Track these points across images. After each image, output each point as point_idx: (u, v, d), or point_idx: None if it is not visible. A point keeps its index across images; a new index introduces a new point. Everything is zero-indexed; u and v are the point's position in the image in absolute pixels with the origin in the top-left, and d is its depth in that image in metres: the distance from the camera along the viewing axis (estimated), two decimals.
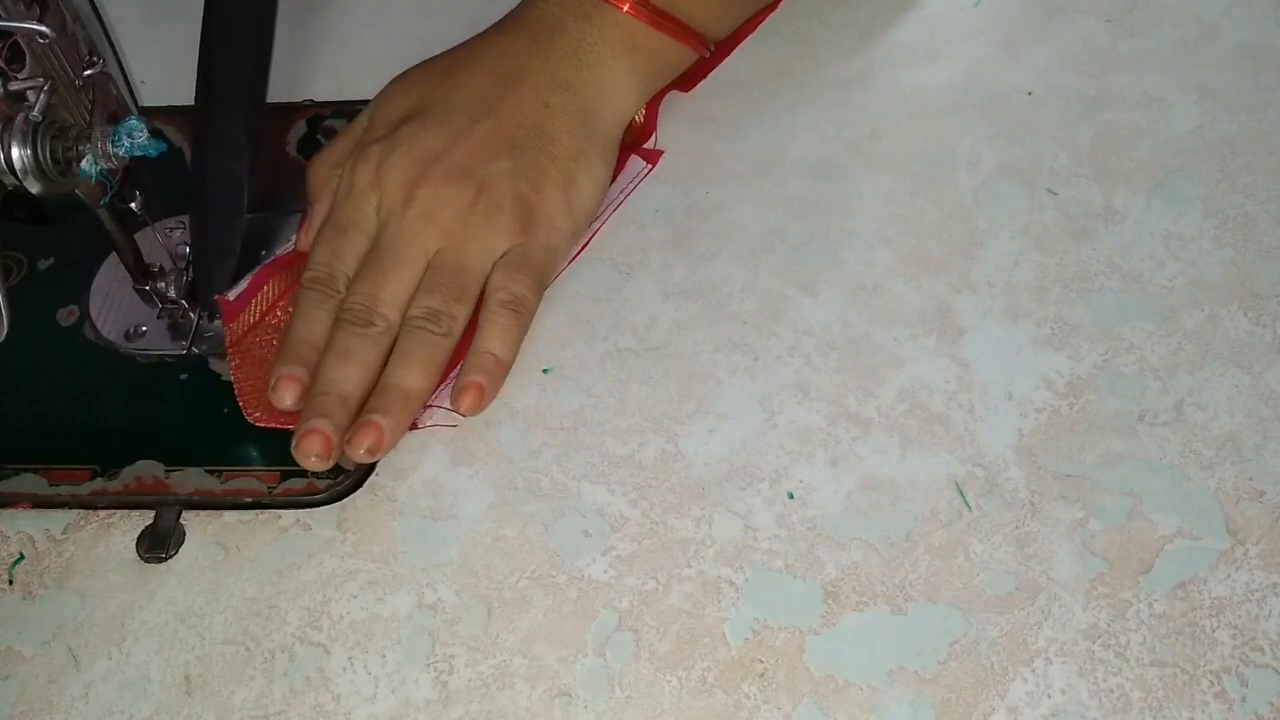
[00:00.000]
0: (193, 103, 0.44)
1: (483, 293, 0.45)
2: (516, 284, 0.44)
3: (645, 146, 0.51)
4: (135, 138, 0.38)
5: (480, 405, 0.43)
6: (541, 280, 0.46)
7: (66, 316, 0.47)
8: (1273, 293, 0.44)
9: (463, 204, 0.45)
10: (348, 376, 0.42)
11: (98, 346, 0.46)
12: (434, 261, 0.44)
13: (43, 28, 0.36)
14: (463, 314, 0.44)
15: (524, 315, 0.44)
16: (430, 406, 0.43)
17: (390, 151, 0.45)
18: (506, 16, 0.49)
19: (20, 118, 0.35)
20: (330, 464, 0.41)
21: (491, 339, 0.44)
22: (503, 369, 0.44)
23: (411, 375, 0.42)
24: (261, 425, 0.43)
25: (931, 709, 0.36)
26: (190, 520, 0.41)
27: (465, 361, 0.44)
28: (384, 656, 0.38)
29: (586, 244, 0.48)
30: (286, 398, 0.42)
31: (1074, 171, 0.49)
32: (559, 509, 0.41)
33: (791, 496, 0.40)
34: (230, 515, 0.41)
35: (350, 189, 0.46)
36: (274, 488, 0.41)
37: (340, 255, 0.45)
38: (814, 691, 0.36)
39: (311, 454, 0.41)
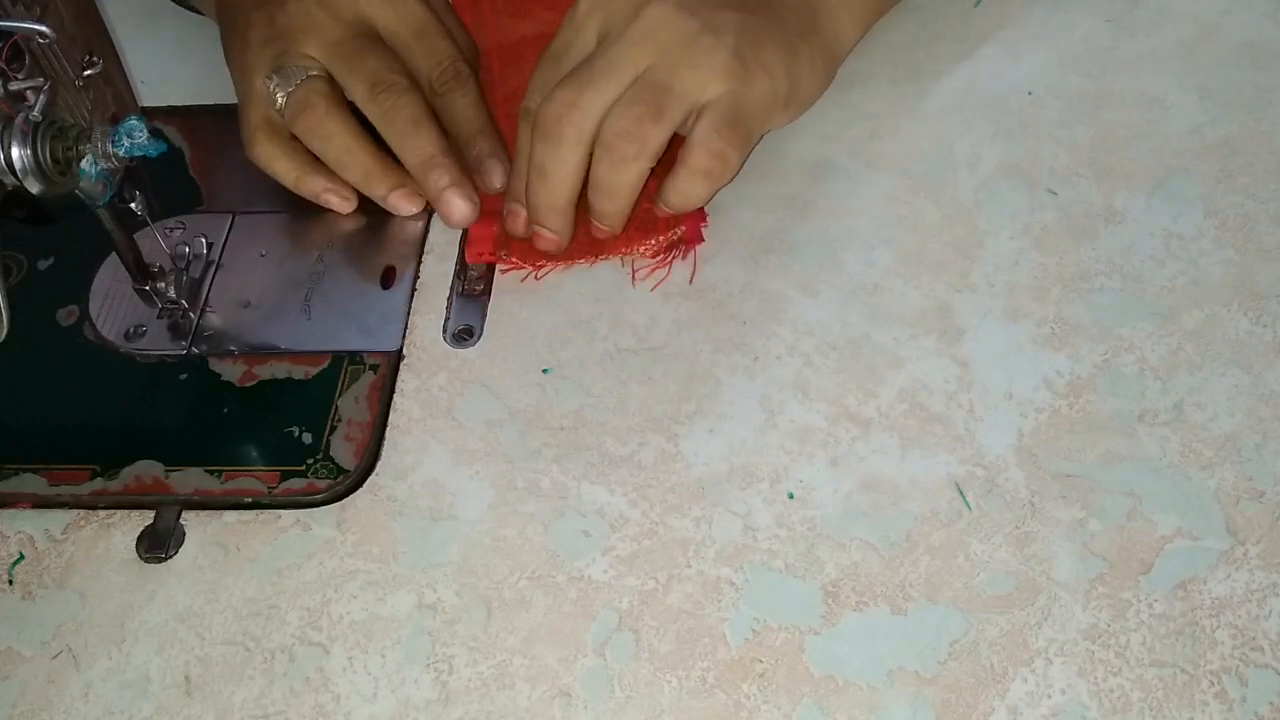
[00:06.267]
0: (192, 103, 0.44)
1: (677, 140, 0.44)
2: (722, 140, 0.43)
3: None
4: (135, 138, 0.38)
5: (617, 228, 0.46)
6: (749, 138, 0.44)
7: (66, 316, 0.47)
8: (1273, 293, 0.44)
9: (688, 31, 0.43)
10: (551, 192, 0.44)
11: (98, 346, 0.46)
12: (642, 77, 0.43)
13: (43, 28, 0.36)
14: (658, 136, 0.42)
15: (722, 176, 0.44)
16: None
17: None
18: None
19: (20, 118, 0.35)
20: (564, 248, 0.46)
21: (676, 195, 0.44)
22: (678, 218, 0.46)
23: (602, 201, 0.44)
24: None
25: (931, 709, 0.36)
26: (190, 520, 0.41)
27: (657, 198, 0.45)
28: (384, 656, 0.38)
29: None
30: (518, 230, 0.46)
31: (1074, 171, 0.49)
32: (559, 509, 0.41)
33: (791, 496, 0.40)
34: (230, 515, 0.41)
35: (574, 13, 0.45)
36: (274, 488, 0.41)
37: (553, 83, 0.44)
38: (814, 692, 0.36)
39: (550, 249, 0.46)
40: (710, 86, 0.43)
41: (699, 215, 0.47)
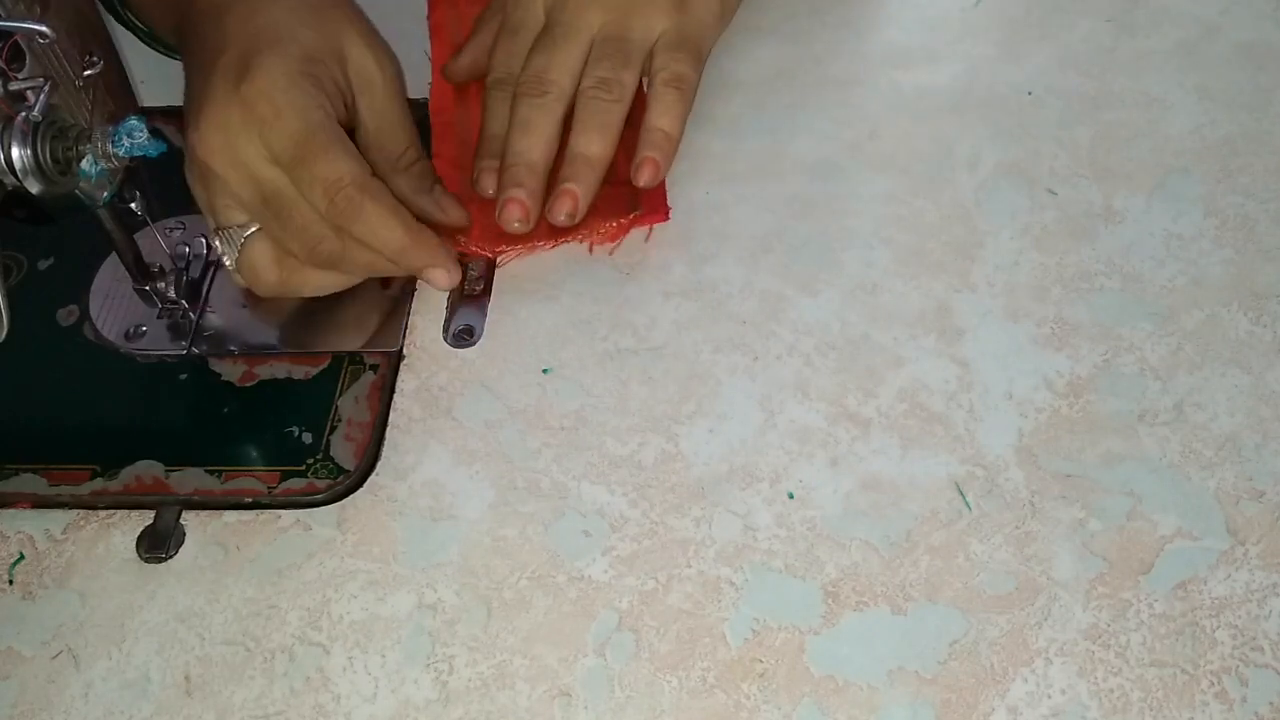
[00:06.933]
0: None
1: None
2: (677, 62, 0.48)
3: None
4: (135, 138, 0.38)
5: (656, 177, 0.47)
6: (699, 56, 0.49)
7: (66, 316, 0.47)
8: (1272, 293, 0.44)
9: None
10: (531, 146, 0.46)
11: (98, 346, 0.46)
12: (598, 35, 0.48)
13: (43, 28, 0.36)
14: (630, 80, 0.47)
15: (687, 91, 0.48)
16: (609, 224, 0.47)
17: None
18: None
19: (20, 118, 0.35)
20: (530, 227, 0.46)
21: (659, 115, 0.47)
22: (672, 143, 0.48)
23: (592, 142, 0.46)
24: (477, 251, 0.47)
25: (931, 709, 0.36)
26: (190, 520, 0.41)
27: (640, 139, 0.47)
28: (384, 656, 0.38)
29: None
30: (489, 187, 0.47)
31: (1074, 171, 0.49)
32: (559, 509, 0.41)
33: (791, 496, 0.40)
34: (230, 515, 0.41)
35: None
36: (274, 488, 0.41)
37: (514, 55, 0.49)
38: (814, 691, 0.36)
39: (514, 220, 0.46)
40: (657, 24, 0.48)
41: (658, 193, 0.48)
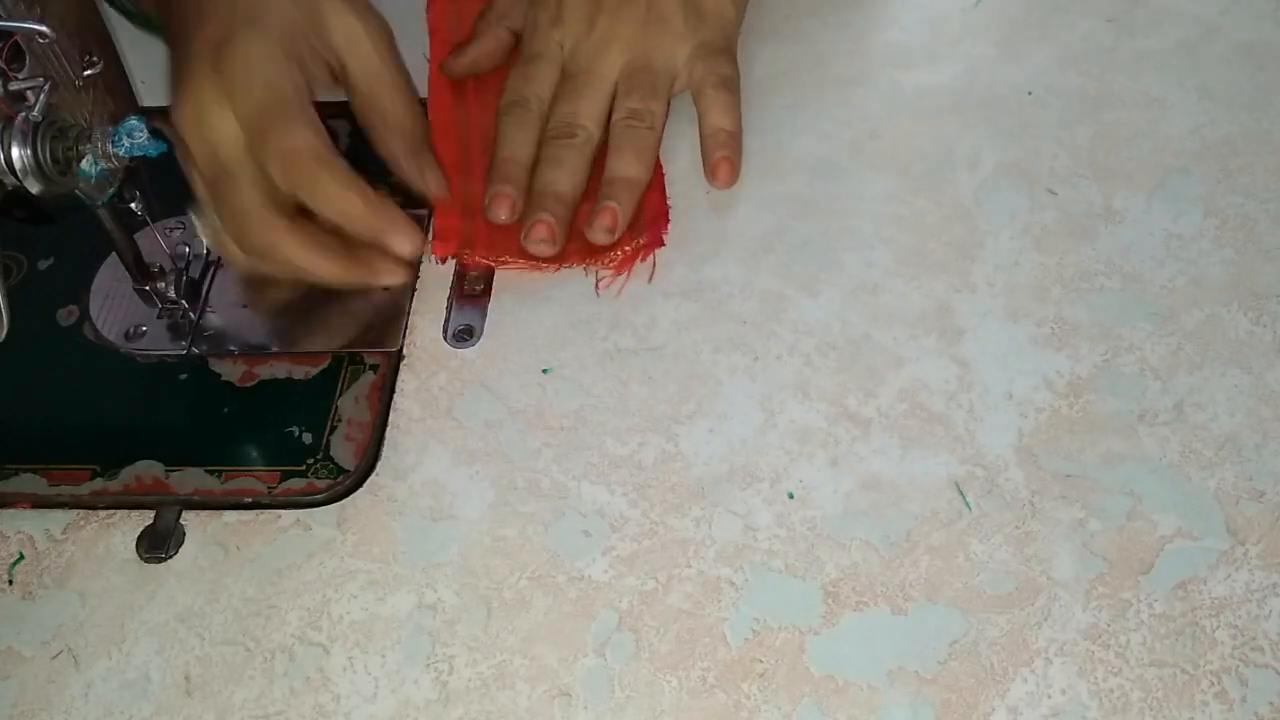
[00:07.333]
0: None
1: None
2: (717, 66, 0.49)
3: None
4: (135, 138, 0.38)
5: (733, 176, 0.48)
6: (732, 54, 0.50)
7: (66, 316, 0.47)
8: (1273, 293, 0.44)
9: (637, 20, 0.49)
10: (560, 179, 0.47)
11: (98, 347, 0.46)
12: (623, 72, 0.49)
13: (42, 27, 0.36)
14: (659, 110, 0.49)
15: (734, 89, 0.49)
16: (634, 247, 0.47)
17: None
18: None
19: (20, 118, 0.35)
20: (556, 250, 0.46)
21: (718, 117, 0.48)
22: (737, 139, 0.48)
23: (629, 165, 0.47)
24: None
25: (932, 709, 0.36)
26: (190, 520, 0.41)
27: (706, 143, 0.48)
28: (384, 657, 0.38)
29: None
30: (501, 214, 0.47)
31: (1074, 171, 0.49)
32: (559, 509, 0.41)
33: (791, 496, 0.40)
34: (230, 515, 0.41)
35: (535, 28, 0.51)
36: (274, 488, 0.41)
37: (531, 80, 0.50)
38: (814, 692, 0.36)
39: (540, 240, 0.46)
40: (679, 50, 0.49)
41: (660, 222, 0.48)
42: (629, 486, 0.41)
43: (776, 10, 0.56)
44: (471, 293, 0.47)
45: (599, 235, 0.46)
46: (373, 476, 0.42)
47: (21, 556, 0.41)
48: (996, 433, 0.41)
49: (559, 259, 0.47)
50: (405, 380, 0.44)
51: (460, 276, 0.47)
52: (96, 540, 0.41)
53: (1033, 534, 0.39)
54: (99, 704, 0.37)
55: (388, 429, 0.43)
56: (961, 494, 0.40)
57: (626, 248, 0.47)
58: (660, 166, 0.50)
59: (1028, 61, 0.53)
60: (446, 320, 0.46)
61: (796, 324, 0.45)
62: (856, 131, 0.51)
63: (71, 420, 0.44)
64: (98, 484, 0.42)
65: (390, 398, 0.44)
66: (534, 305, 0.46)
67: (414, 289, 0.47)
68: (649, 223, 0.48)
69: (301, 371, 0.45)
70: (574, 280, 0.47)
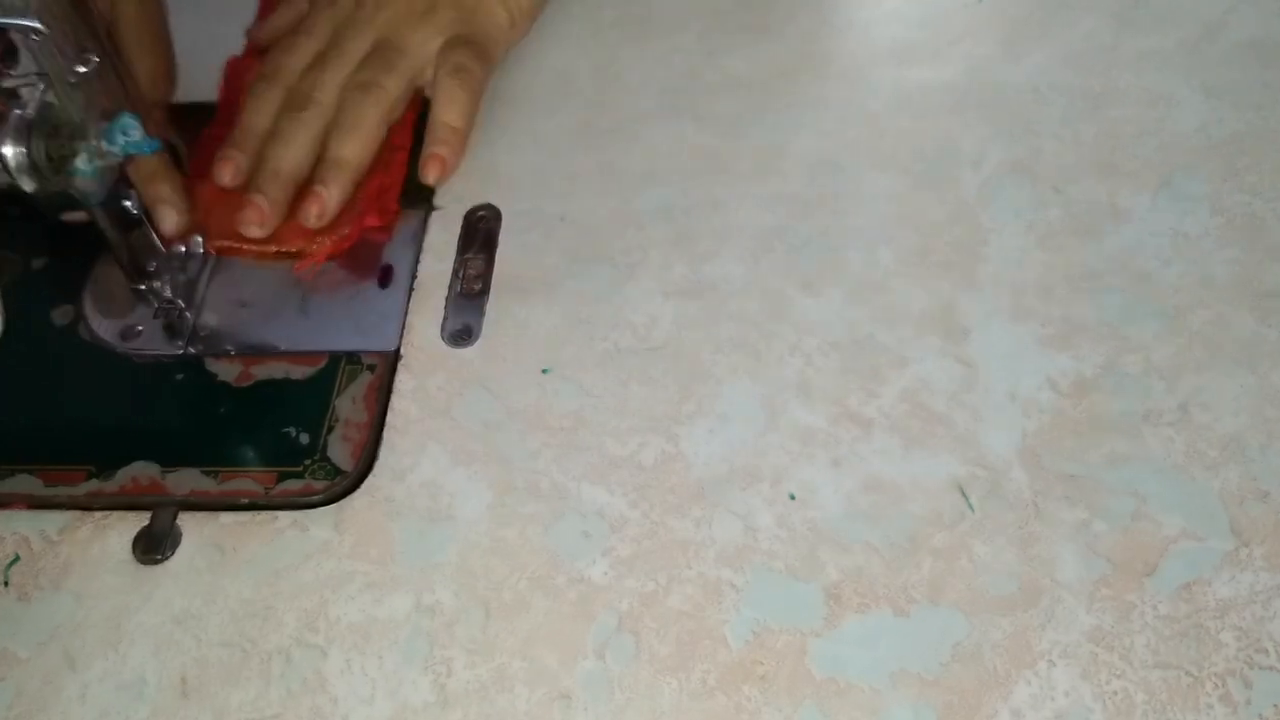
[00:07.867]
0: (188, 101, 0.44)
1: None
2: (457, 55, 0.48)
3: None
4: (130, 135, 0.38)
5: (444, 174, 0.47)
6: (485, 55, 0.49)
7: (61, 316, 0.47)
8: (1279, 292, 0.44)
9: (403, 8, 0.49)
10: (280, 155, 0.47)
11: (93, 346, 0.46)
12: (372, 48, 0.49)
13: (36, 24, 0.35)
14: (392, 85, 0.47)
15: (470, 82, 0.48)
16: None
17: None
18: None
19: (14, 115, 0.35)
20: (267, 232, 0.46)
21: (443, 108, 0.47)
22: (459, 136, 0.47)
23: (344, 144, 0.47)
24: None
25: (934, 712, 0.35)
26: (186, 521, 0.41)
27: (425, 135, 0.47)
28: (381, 659, 0.37)
29: None
30: (224, 176, 0.47)
31: (1079, 170, 0.48)
32: (558, 510, 0.40)
33: (793, 497, 0.40)
34: (227, 516, 0.41)
35: (313, 7, 0.51)
36: (271, 489, 0.41)
37: (288, 52, 0.49)
38: (815, 694, 0.36)
39: (250, 223, 0.46)
40: (434, 37, 0.49)
41: (372, 211, 0.47)
42: (629, 487, 0.41)
43: (777, 10, 0.55)
44: (470, 292, 0.47)
45: (309, 220, 0.46)
46: (370, 477, 0.42)
47: (17, 558, 0.41)
48: (1000, 433, 0.41)
49: (273, 240, 0.47)
50: (403, 380, 0.44)
51: (458, 276, 0.47)
52: (92, 541, 0.41)
53: (1036, 535, 0.39)
54: (95, 706, 0.37)
55: (385, 429, 0.43)
56: (964, 495, 0.40)
57: (334, 236, 0.46)
58: (400, 147, 0.49)
59: (1031, 59, 0.52)
60: (444, 320, 0.46)
61: (798, 324, 0.44)
62: (858, 130, 0.50)
63: (67, 420, 0.44)
64: (93, 485, 0.42)
65: (388, 398, 0.43)
66: (533, 305, 0.46)
67: (412, 288, 0.47)
68: (361, 211, 0.47)
69: (298, 371, 0.44)
70: (574, 280, 0.46)
